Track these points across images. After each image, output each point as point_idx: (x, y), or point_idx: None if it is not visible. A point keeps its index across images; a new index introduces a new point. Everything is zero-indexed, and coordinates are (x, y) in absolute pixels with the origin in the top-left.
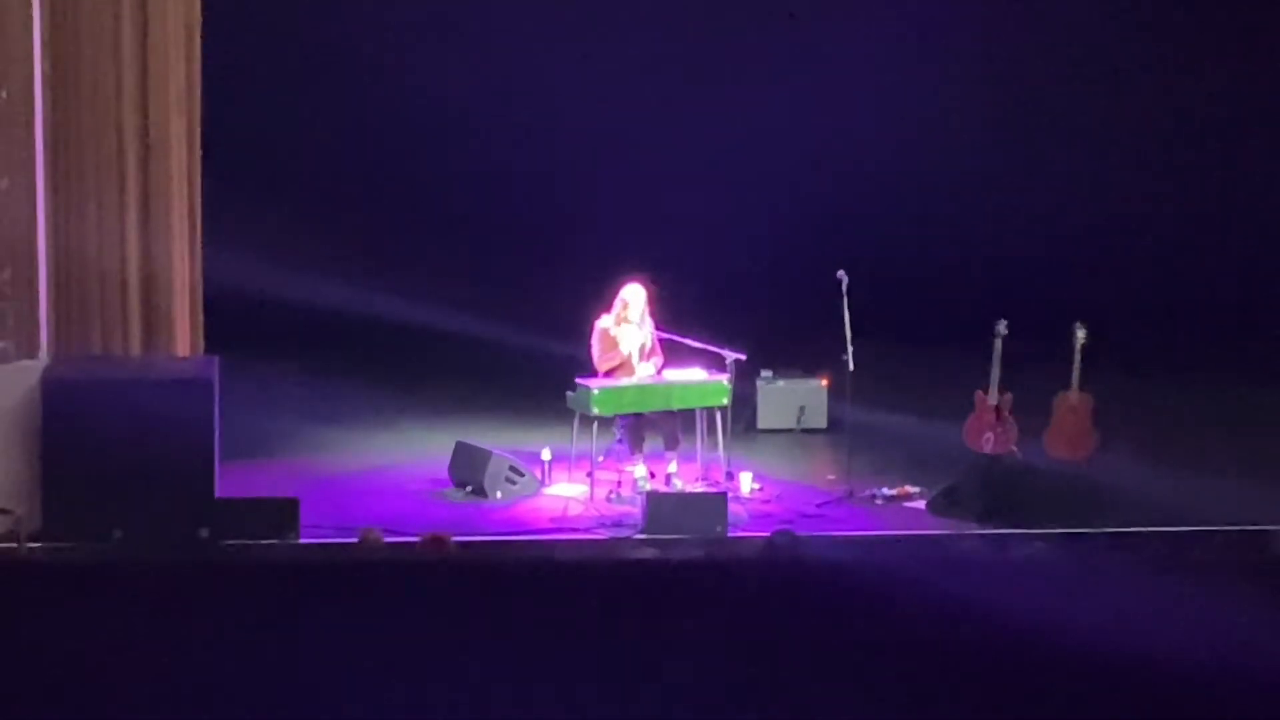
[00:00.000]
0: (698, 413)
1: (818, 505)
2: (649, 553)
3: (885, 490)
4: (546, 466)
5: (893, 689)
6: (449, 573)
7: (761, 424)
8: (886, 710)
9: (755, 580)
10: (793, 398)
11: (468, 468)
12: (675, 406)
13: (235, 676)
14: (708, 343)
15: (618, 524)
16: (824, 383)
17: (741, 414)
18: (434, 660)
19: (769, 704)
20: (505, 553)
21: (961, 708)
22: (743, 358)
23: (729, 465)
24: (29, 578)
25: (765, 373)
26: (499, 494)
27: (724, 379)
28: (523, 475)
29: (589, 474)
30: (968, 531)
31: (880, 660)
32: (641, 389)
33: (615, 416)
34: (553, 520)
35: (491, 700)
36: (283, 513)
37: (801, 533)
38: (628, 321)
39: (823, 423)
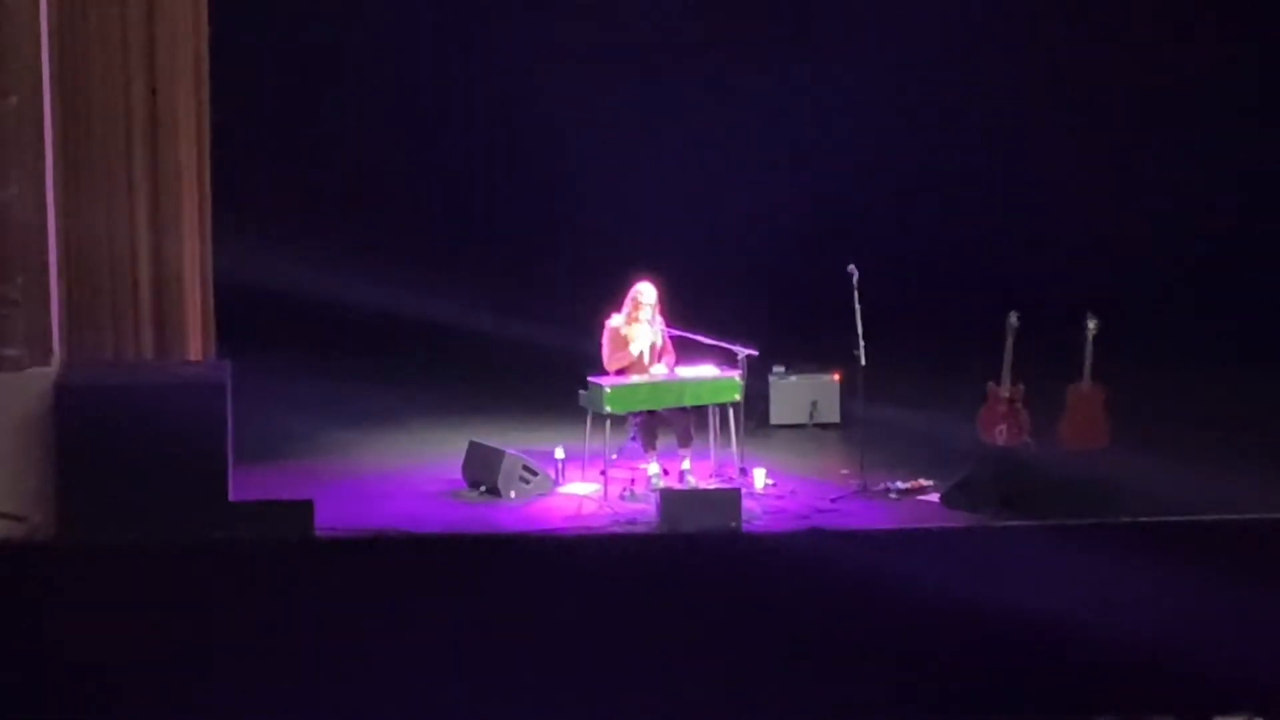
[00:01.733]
0: (710, 409)
1: (831, 500)
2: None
3: (899, 484)
4: (560, 465)
5: (899, 675)
6: (463, 554)
7: (774, 419)
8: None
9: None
10: (805, 393)
11: (481, 468)
12: (688, 403)
13: (252, 657)
14: (719, 339)
15: (632, 522)
16: (836, 377)
17: (754, 410)
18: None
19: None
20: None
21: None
22: (754, 354)
23: (742, 461)
24: (46, 565)
25: (777, 368)
26: (513, 493)
27: (736, 375)
28: (536, 474)
29: (603, 472)
30: (977, 524)
31: (888, 648)
32: (654, 386)
33: (628, 414)
34: (567, 519)
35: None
36: (296, 515)
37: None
38: (639, 320)
39: (835, 417)
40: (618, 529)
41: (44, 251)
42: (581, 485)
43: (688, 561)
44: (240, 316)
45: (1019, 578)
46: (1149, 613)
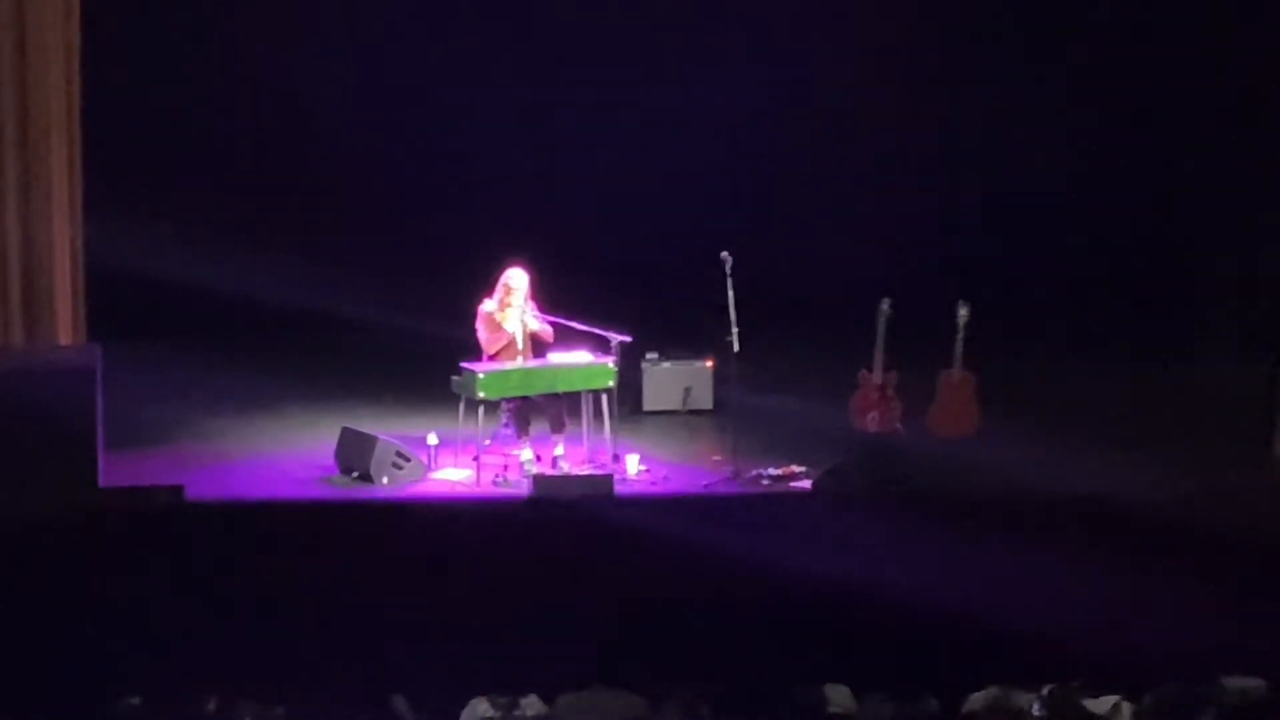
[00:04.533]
0: (583, 395)
1: (704, 486)
2: None
3: (771, 470)
4: (433, 451)
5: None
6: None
7: (647, 406)
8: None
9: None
10: (678, 379)
11: (354, 453)
12: (561, 389)
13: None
14: (592, 325)
15: None
16: (709, 364)
17: (627, 396)
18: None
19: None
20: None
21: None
22: (628, 340)
23: (615, 447)
24: None
25: (650, 355)
26: (385, 479)
27: (609, 361)
28: (409, 460)
29: (475, 458)
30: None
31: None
32: (527, 372)
33: (501, 400)
34: None
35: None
36: (167, 500)
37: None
38: (511, 306)
39: (708, 404)
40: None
41: None
42: (454, 471)
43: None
44: (112, 302)
45: (863, 548)
46: (995, 586)
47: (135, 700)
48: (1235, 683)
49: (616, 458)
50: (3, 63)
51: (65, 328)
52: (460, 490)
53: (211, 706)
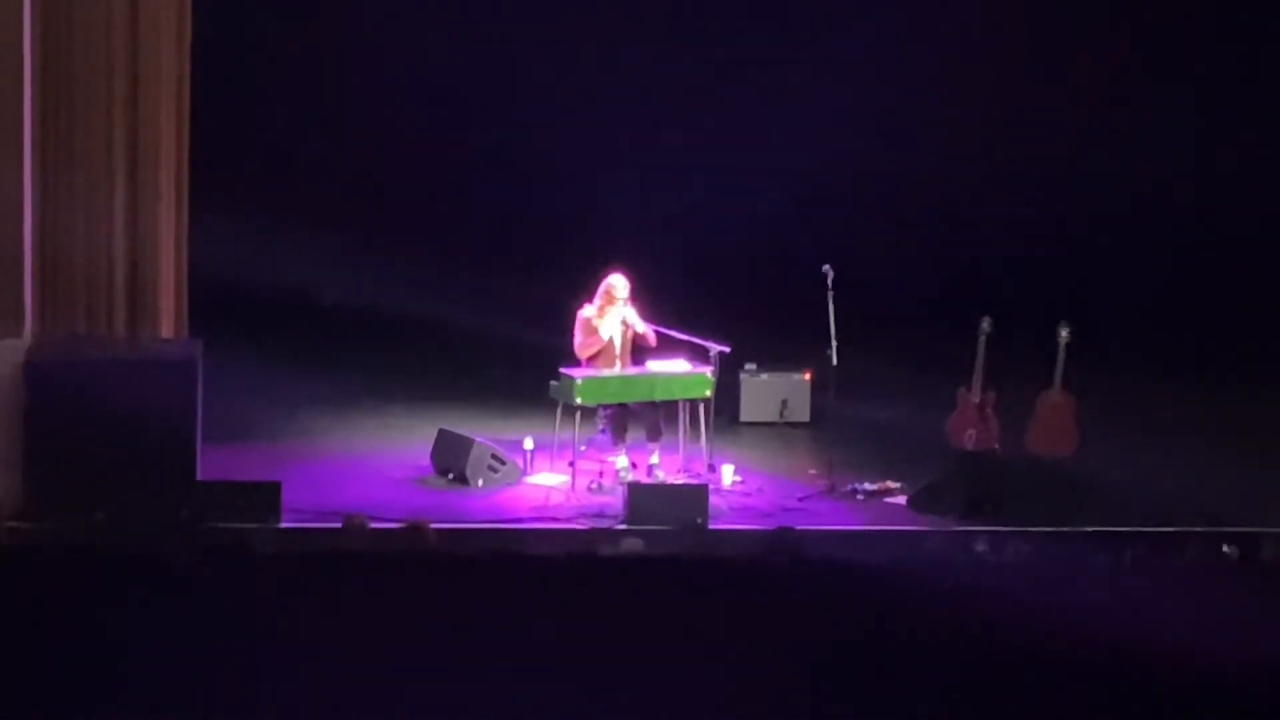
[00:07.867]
0: (680, 404)
1: (799, 499)
2: (632, 546)
3: (866, 485)
4: (529, 455)
5: (890, 683)
6: (427, 564)
7: (744, 417)
8: (882, 705)
9: (752, 576)
10: (776, 391)
11: (450, 455)
12: (658, 398)
13: (213, 658)
14: (692, 335)
15: (599, 514)
16: (807, 376)
17: (724, 407)
18: (408, 648)
19: (762, 701)
20: (483, 544)
21: (954, 700)
22: (727, 350)
23: (711, 457)
24: (10, 560)
25: (749, 365)
26: (480, 482)
27: (707, 371)
28: (504, 463)
29: (571, 463)
30: (954, 528)
31: (878, 655)
32: (625, 379)
33: (598, 407)
34: (533, 509)
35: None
36: (264, 496)
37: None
38: (610, 311)
39: (805, 416)
40: (584, 521)
41: (19, 226)
42: (549, 476)
43: (651, 567)
44: (214, 298)
45: (991, 581)
46: (1112, 619)
47: None
48: None
49: (712, 468)
50: (116, 58)
51: (168, 322)
52: (555, 496)
53: None
